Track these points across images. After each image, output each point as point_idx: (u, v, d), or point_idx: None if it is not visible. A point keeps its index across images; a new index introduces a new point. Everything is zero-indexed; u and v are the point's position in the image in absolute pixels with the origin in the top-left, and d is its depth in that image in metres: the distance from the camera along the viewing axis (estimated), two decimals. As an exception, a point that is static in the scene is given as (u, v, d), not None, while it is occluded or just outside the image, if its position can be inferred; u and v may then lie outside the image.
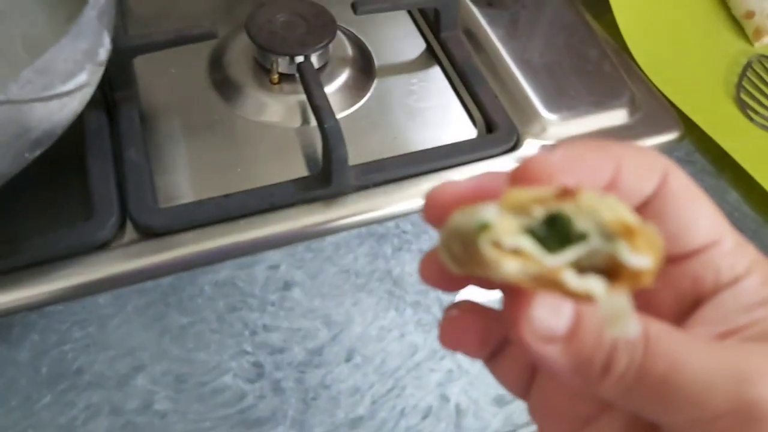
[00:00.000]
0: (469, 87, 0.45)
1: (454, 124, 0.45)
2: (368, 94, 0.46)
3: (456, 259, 0.15)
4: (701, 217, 0.17)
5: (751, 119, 0.48)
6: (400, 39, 0.50)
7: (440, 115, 0.45)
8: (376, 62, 0.48)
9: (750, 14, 0.53)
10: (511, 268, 0.14)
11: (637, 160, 0.17)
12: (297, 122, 0.43)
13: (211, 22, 0.41)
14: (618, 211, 0.14)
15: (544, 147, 0.43)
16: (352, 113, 0.45)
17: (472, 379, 0.34)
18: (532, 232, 0.14)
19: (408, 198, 0.40)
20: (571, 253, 0.14)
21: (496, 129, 0.43)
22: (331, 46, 0.45)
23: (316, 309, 0.36)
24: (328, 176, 0.38)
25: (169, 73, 0.46)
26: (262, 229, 0.38)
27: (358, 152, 0.41)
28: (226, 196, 0.38)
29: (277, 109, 0.44)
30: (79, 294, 0.35)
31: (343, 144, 0.37)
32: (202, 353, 0.34)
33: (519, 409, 0.34)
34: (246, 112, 0.44)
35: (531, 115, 0.44)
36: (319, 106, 0.38)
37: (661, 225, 0.17)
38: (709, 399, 0.14)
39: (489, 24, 0.49)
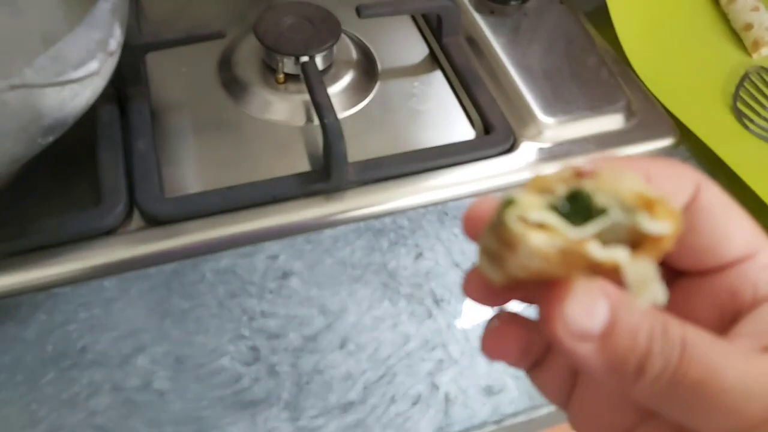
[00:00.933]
0: (468, 90, 0.47)
1: (453, 126, 0.46)
2: (370, 96, 0.47)
3: (492, 258, 0.16)
4: (736, 230, 0.17)
5: (746, 128, 0.49)
6: (403, 43, 0.52)
7: (440, 117, 0.47)
8: (380, 65, 0.49)
9: (748, 27, 0.54)
10: (537, 240, 0.14)
11: (667, 172, 0.17)
12: (301, 121, 0.45)
13: (222, 24, 0.42)
14: (635, 186, 0.15)
15: (541, 150, 0.44)
16: (354, 113, 0.46)
17: (462, 369, 0.35)
18: (556, 209, 0.15)
19: (405, 195, 0.41)
20: (594, 226, 0.15)
21: (493, 131, 0.44)
22: (335, 48, 0.46)
23: (312, 298, 0.37)
24: (327, 171, 0.40)
25: (180, 72, 0.47)
26: (264, 220, 0.39)
27: (359, 150, 0.42)
28: (230, 188, 0.39)
29: (282, 108, 0.45)
30: (86, 277, 0.36)
31: (343, 140, 0.38)
32: (201, 336, 0.35)
33: (507, 399, 0.34)
34: (252, 110, 0.45)
35: (528, 118, 0.45)
36: (320, 103, 0.40)
37: (695, 238, 0.17)
38: (747, 408, 0.14)
39: (491, 31, 0.51)
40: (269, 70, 0.46)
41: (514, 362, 0.19)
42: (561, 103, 0.46)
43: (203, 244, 0.38)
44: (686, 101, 0.50)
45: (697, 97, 0.51)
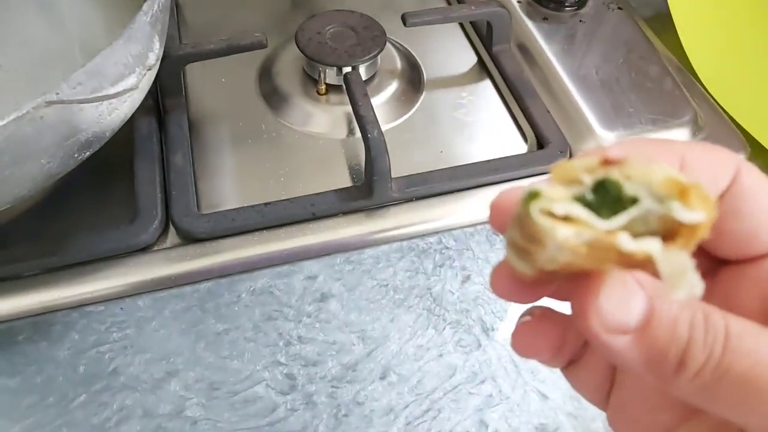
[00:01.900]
0: (520, 101, 0.44)
1: (503, 138, 0.43)
2: (416, 107, 0.45)
3: (520, 251, 0.15)
4: None
5: (826, 143, 0.45)
6: (450, 52, 0.49)
7: (489, 130, 0.44)
8: (425, 75, 0.47)
9: (827, 32, 0.50)
10: (565, 234, 0.13)
11: (704, 156, 0.16)
12: (342, 133, 0.43)
13: (263, 33, 0.41)
14: (667, 172, 0.14)
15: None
16: (398, 125, 0.44)
17: (513, 406, 0.32)
18: (583, 200, 0.14)
19: (452, 213, 0.39)
20: (625, 216, 0.14)
21: (547, 145, 0.41)
22: (379, 58, 0.44)
23: (352, 323, 0.35)
24: (369, 187, 0.38)
25: (220, 83, 0.46)
26: (302, 238, 0.37)
27: (403, 165, 0.40)
28: (268, 204, 0.38)
29: (324, 120, 0.44)
30: (120, 295, 0.35)
31: (386, 155, 0.36)
32: (236, 361, 0.33)
33: (562, 440, 0.32)
34: (292, 122, 0.44)
35: (585, 131, 0.42)
36: (363, 116, 0.38)
37: (738, 223, 0.16)
38: None
39: (544, 38, 0.48)
40: (310, 80, 0.45)
41: (547, 360, 0.18)
42: (621, 116, 0.43)
43: (239, 263, 0.37)
44: (756, 113, 0.46)
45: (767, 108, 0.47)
